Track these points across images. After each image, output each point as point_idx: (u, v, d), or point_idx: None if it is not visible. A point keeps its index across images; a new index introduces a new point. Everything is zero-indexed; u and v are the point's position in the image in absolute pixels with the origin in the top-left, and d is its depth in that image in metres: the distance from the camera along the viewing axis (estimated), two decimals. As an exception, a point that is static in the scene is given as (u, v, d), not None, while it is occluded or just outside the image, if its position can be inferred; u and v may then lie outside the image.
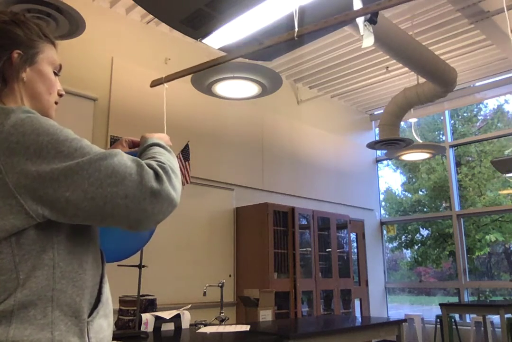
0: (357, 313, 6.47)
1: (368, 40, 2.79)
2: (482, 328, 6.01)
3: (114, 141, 4.40)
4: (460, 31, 5.25)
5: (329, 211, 6.21)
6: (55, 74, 1.03)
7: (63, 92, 1.06)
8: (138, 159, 0.85)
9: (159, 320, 2.74)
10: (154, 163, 0.86)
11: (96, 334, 0.86)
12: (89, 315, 0.85)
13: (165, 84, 1.38)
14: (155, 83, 1.41)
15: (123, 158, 0.82)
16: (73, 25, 2.84)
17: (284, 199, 5.86)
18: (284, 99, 6.42)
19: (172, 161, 0.92)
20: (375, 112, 7.96)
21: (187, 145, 3.93)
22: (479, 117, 8.97)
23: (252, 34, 2.56)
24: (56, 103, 1.04)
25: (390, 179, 9.48)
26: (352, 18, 1.40)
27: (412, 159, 5.65)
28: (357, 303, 6.61)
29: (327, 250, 5.91)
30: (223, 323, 3.09)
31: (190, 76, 3.14)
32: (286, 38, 1.31)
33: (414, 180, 9.46)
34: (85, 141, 0.84)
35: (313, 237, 5.67)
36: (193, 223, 4.85)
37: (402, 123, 5.69)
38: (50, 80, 1.00)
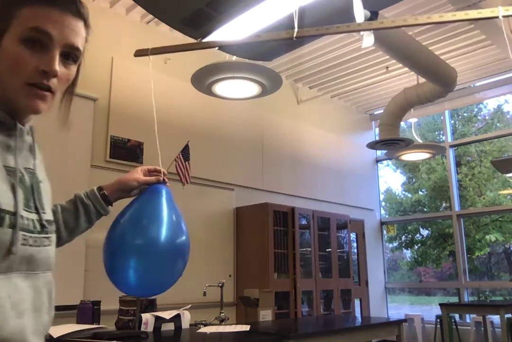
0: (357, 313, 6.47)
1: (368, 40, 2.79)
2: (482, 328, 6.00)
3: (114, 142, 4.41)
4: (460, 31, 5.25)
5: (329, 211, 6.21)
6: (33, 42, 0.77)
7: (47, 68, 0.78)
8: None
9: (159, 320, 2.73)
10: None
11: None
12: None
13: (150, 57, 1.33)
14: (139, 53, 1.34)
15: None
16: (73, 25, 2.84)
17: (284, 199, 5.86)
18: (284, 99, 6.42)
19: None
20: (375, 112, 7.96)
21: (187, 145, 3.93)
22: (479, 118, 8.97)
23: (252, 34, 2.56)
24: (35, 84, 0.78)
25: (390, 179, 9.50)
26: (353, 31, 1.41)
27: (412, 159, 5.65)
28: (357, 303, 6.60)
29: (327, 250, 5.91)
30: (223, 323, 3.09)
31: (190, 76, 3.14)
32: (285, 37, 1.31)
33: (414, 180, 9.47)
34: None
35: (313, 237, 5.67)
36: (193, 223, 4.85)
37: (402, 123, 5.68)
38: (11, 56, 0.77)
